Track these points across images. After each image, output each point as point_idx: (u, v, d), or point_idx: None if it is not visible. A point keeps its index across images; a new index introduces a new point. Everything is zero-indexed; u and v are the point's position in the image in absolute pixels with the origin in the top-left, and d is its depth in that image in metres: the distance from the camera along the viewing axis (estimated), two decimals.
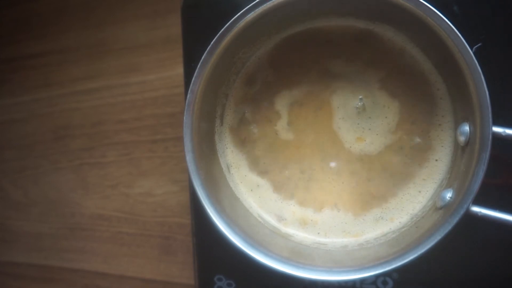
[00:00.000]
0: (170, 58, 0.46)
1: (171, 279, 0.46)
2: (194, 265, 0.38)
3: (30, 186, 0.52)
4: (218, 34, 0.29)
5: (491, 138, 0.25)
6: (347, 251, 0.31)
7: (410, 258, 0.26)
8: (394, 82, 0.32)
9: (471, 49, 0.25)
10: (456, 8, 0.31)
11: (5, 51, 0.53)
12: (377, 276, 0.34)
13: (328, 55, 0.33)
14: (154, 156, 0.47)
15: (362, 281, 0.34)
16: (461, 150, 0.29)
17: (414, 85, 0.32)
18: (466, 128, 0.27)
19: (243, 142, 0.35)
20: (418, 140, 0.32)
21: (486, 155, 0.25)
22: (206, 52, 0.29)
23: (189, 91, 0.30)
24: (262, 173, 0.34)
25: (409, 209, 0.32)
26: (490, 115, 0.25)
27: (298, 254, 0.31)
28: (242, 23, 0.29)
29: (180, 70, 0.38)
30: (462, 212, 0.25)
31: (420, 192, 0.32)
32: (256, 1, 0.28)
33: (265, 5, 0.28)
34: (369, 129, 0.33)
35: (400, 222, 0.32)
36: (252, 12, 0.28)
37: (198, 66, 0.29)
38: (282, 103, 0.34)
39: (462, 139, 0.28)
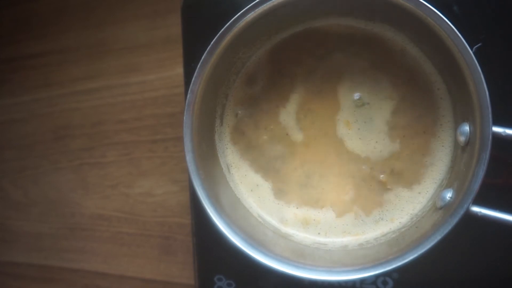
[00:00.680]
0: (170, 58, 0.46)
1: (171, 279, 0.46)
2: (194, 265, 0.38)
3: (30, 186, 0.52)
4: (218, 34, 0.29)
5: (491, 138, 0.25)
6: (347, 251, 0.31)
7: (410, 258, 0.26)
8: (394, 82, 0.32)
9: (471, 49, 0.25)
10: (456, 8, 0.31)
11: (5, 51, 0.53)
12: (377, 276, 0.34)
13: (328, 55, 0.33)
14: (154, 156, 0.47)
15: (362, 281, 0.34)
16: (461, 150, 0.29)
17: (414, 85, 0.32)
18: (466, 128, 0.27)
19: (243, 142, 0.35)
20: (418, 140, 0.32)
21: (486, 155, 0.25)
22: (206, 52, 0.29)
23: (189, 91, 0.30)
24: (262, 173, 0.34)
25: (409, 209, 0.32)
26: (490, 115, 0.25)
27: (298, 254, 0.31)
28: (242, 23, 0.29)
29: (180, 70, 0.38)
30: (462, 212, 0.25)
31: (420, 192, 0.32)
32: (256, 1, 0.28)
33: (265, 5, 0.28)
34: (370, 129, 0.33)
35: (400, 222, 0.32)
36: (252, 12, 0.28)
37: (198, 66, 0.29)
38: (282, 103, 0.34)
39: (462, 139, 0.28)
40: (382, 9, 0.29)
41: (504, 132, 0.25)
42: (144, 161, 0.47)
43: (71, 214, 0.50)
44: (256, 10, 0.28)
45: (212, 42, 0.29)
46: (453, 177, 0.30)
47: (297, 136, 0.34)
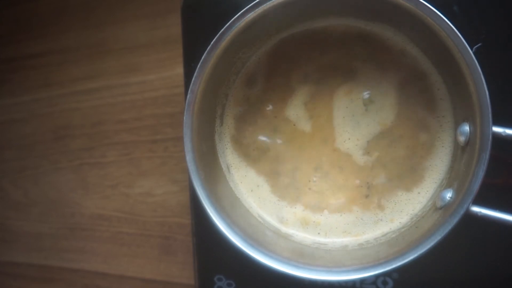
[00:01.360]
0: (170, 58, 0.46)
1: (171, 279, 0.46)
2: (194, 265, 0.38)
3: (30, 186, 0.52)
4: (218, 34, 0.29)
5: (491, 138, 0.24)
6: (347, 251, 0.31)
7: (410, 258, 0.26)
8: (394, 82, 0.32)
9: (471, 49, 0.25)
10: (456, 8, 0.31)
11: (5, 51, 0.53)
12: (377, 276, 0.34)
13: (328, 55, 0.33)
14: (154, 156, 0.47)
15: (362, 281, 0.34)
16: (461, 150, 0.29)
17: (414, 85, 0.32)
18: (466, 128, 0.27)
19: (243, 142, 0.35)
20: (418, 140, 0.32)
21: (486, 155, 0.25)
22: (206, 52, 0.29)
23: (189, 91, 0.30)
24: (262, 173, 0.34)
25: (409, 209, 0.32)
26: (490, 115, 0.25)
27: (298, 254, 0.31)
28: (242, 23, 0.29)
29: (180, 70, 0.38)
30: (462, 212, 0.25)
31: (420, 192, 0.32)
32: (256, 1, 0.28)
33: (265, 5, 0.28)
34: (369, 129, 0.33)
35: (400, 222, 0.32)
36: (252, 12, 0.28)
37: (198, 66, 0.29)
38: (282, 103, 0.34)
39: (462, 139, 0.28)
40: (382, 9, 0.29)
41: (504, 132, 0.25)
42: (144, 161, 0.47)
43: (71, 214, 0.50)
44: (256, 10, 0.28)
45: (212, 42, 0.29)
46: (453, 177, 0.30)
47: (298, 136, 0.34)
